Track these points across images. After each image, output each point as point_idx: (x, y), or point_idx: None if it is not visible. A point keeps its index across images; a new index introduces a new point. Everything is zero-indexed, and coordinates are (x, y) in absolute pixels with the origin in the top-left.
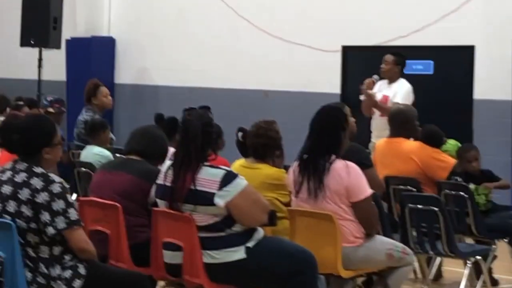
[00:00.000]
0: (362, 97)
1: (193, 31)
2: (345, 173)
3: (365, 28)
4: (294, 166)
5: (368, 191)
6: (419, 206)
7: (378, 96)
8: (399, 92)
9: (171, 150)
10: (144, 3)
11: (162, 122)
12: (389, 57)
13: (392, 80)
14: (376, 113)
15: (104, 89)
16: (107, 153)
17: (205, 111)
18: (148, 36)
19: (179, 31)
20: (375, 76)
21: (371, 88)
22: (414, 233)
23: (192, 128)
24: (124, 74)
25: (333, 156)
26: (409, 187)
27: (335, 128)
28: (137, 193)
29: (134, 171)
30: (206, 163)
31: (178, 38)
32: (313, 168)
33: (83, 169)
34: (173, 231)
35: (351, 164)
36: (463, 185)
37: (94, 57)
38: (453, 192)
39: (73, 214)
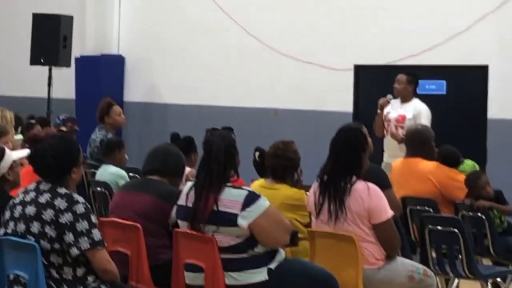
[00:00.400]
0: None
1: (203, 49)
2: (366, 195)
3: (377, 47)
4: (315, 187)
5: (389, 213)
6: (439, 228)
7: (394, 115)
8: (422, 113)
9: (187, 169)
10: (154, 21)
11: (178, 142)
12: (402, 77)
13: (405, 99)
14: (390, 132)
15: (117, 108)
16: (123, 173)
17: (228, 132)
18: (158, 54)
19: (189, 49)
20: (389, 96)
21: (384, 107)
22: (434, 255)
23: (215, 148)
24: (133, 92)
25: (354, 177)
26: (426, 208)
27: (355, 149)
28: (158, 214)
29: (155, 192)
30: (228, 184)
31: (188, 56)
32: (334, 190)
33: (99, 188)
34: (195, 252)
35: (372, 185)
36: (481, 206)
37: (103, 75)
38: (470, 213)
39: (96, 234)
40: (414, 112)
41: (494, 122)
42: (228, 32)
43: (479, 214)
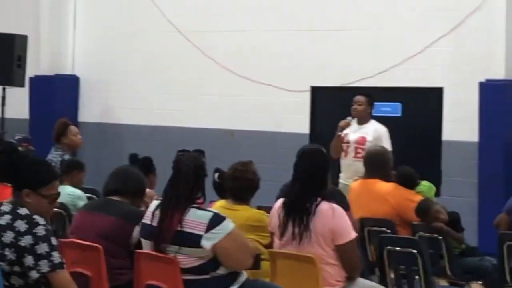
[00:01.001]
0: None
1: (159, 70)
2: (331, 216)
3: (333, 69)
4: (277, 208)
5: (353, 234)
6: (397, 248)
7: (353, 137)
8: (383, 135)
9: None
10: (109, 41)
11: (137, 162)
12: (361, 98)
13: (363, 121)
14: (349, 154)
15: (73, 128)
16: (79, 193)
17: (199, 154)
18: (113, 75)
19: (145, 69)
20: (349, 118)
21: (345, 129)
22: (392, 276)
23: (184, 169)
24: (88, 113)
25: (319, 199)
26: (384, 229)
27: (321, 171)
28: (119, 234)
29: (116, 212)
30: (194, 205)
31: (144, 77)
32: (299, 211)
33: (55, 209)
34: (157, 273)
35: (336, 206)
36: (438, 227)
37: (58, 95)
38: (427, 234)
39: (56, 257)
40: (374, 134)
41: (448, 143)
42: (185, 53)
43: (436, 235)
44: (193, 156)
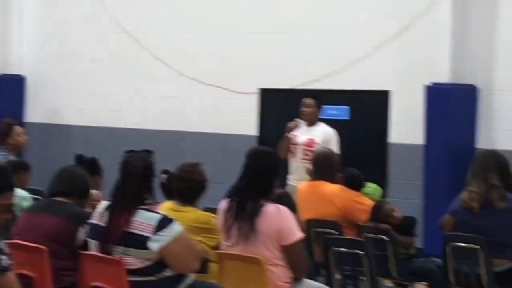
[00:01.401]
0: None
1: (106, 71)
2: (277, 216)
3: (281, 71)
4: (224, 208)
5: (299, 234)
6: (343, 249)
7: (302, 139)
8: (332, 138)
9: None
10: (57, 42)
11: (82, 163)
12: (310, 101)
13: (312, 123)
14: (297, 156)
15: (18, 128)
16: (25, 194)
17: (147, 154)
18: (60, 75)
19: (92, 70)
20: (298, 120)
21: (293, 130)
22: (338, 276)
23: (132, 170)
24: (34, 113)
25: (265, 200)
26: (330, 230)
27: (270, 173)
28: (64, 236)
29: (61, 213)
30: (142, 207)
31: (91, 78)
32: (245, 212)
33: None
34: (102, 274)
35: (283, 208)
36: (384, 228)
37: (3, 95)
38: (373, 235)
39: (4, 260)
40: (323, 136)
41: (394, 146)
42: (133, 54)
43: (381, 236)
44: (141, 157)
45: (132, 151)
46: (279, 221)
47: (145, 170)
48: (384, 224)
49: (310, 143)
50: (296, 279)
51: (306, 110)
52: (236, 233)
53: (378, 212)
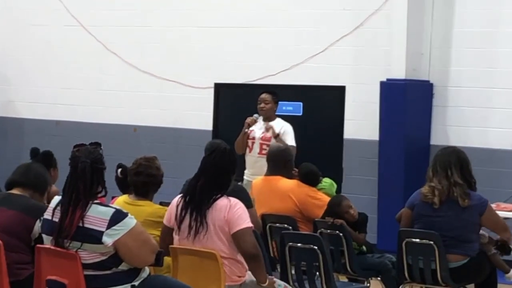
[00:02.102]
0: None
1: (61, 65)
2: (227, 207)
3: (236, 66)
4: (176, 202)
5: (248, 223)
6: (299, 245)
7: (259, 134)
8: (289, 133)
9: None
10: (10, 34)
11: (38, 157)
12: (268, 96)
13: (269, 118)
14: (254, 151)
15: None
16: None
17: (96, 147)
18: (14, 68)
19: (47, 63)
20: (256, 115)
21: (251, 126)
22: (294, 271)
23: (81, 165)
24: None
25: (219, 194)
26: (285, 225)
27: (227, 170)
28: (20, 229)
29: (17, 206)
30: (96, 201)
31: (46, 71)
32: (197, 204)
33: None
34: (58, 268)
35: (234, 199)
36: (339, 224)
37: None
38: (328, 231)
39: None
40: (280, 131)
41: (349, 142)
42: (88, 47)
43: (337, 231)
44: (88, 151)
45: (81, 145)
46: (228, 210)
47: (93, 164)
48: (339, 219)
49: (267, 138)
50: (250, 268)
51: (264, 106)
52: (186, 226)
53: (336, 206)
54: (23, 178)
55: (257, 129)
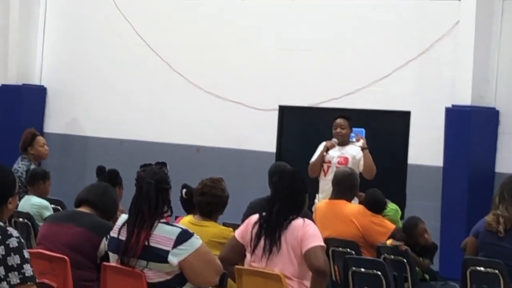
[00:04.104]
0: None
1: (126, 83)
2: (301, 226)
3: (301, 89)
4: (255, 221)
5: (321, 242)
6: (362, 270)
7: (335, 158)
8: (358, 156)
9: None
10: (77, 53)
11: (104, 175)
12: (344, 122)
13: (344, 144)
14: (329, 175)
15: (41, 139)
16: (45, 203)
17: (161, 167)
18: (80, 86)
19: (112, 82)
20: (335, 140)
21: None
22: None
23: (145, 186)
24: (54, 124)
25: (294, 215)
26: (348, 250)
27: (301, 192)
28: (86, 246)
29: (84, 224)
30: (162, 220)
31: (111, 90)
32: (274, 225)
33: (21, 219)
34: (123, 286)
35: (308, 220)
36: (403, 250)
37: (24, 105)
38: (392, 257)
39: (28, 270)
40: (356, 155)
41: (413, 167)
42: (153, 67)
43: (400, 257)
44: (153, 171)
45: (146, 165)
46: (302, 228)
47: (158, 184)
48: (405, 245)
49: (343, 162)
50: (316, 283)
51: (340, 131)
52: (261, 246)
53: (413, 228)
54: (97, 200)
55: (333, 154)
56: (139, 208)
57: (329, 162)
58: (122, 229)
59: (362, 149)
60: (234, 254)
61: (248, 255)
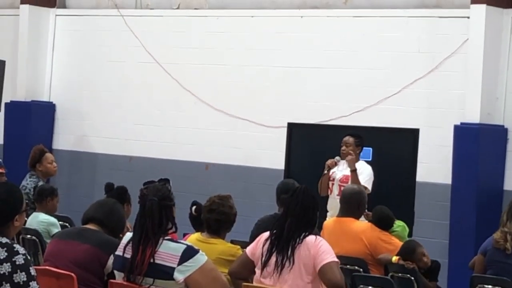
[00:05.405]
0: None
1: (136, 101)
2: (314, 243)
3: (310, 106)
4: (266, 237)
5: (335, 257)
6: (370, 287)
7: (338, 175)
8: (362, 173)
9: None
10: (87, 70)
11: (112, 192)
12: (350, 139)
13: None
14: (334, 192)
15: (49, 156)
16: (53, 220)
17: (164, 184)
18: (89, 103)
19: (121, 99)
20: (337, 158)
21: (332, 168)
22: None
23: (148, 204)
24: (63, 140)
25: (307, 232)
26: (356, 267)
27: (313, 207)
28: (93, 263)
29: (91, 241)
30: (166, 237)
31: (120, 107)
32: (286, 241)
33: (29, 236)
34: None
35: (321, 237)
36: (411, 268)
37: (33, 121)
38: (400, 274)
39: (34, 287)
40: (359, 170)
41: (421, 185)
42: (162, 84)
43: (408, 275)
44: (156, 188)
45: (149, 182)
46: (315, 246)
47: (161, 201)
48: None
49: (345, 179)
50: None
51: (345, 148)
52: (272, 263)
53: (410, 253)
54: (104, 217)
55: (338, 171)
56: (143, 225)
57: (333, 179)
58: (127, 247)
59: (351, 171)
60: (244, 269)
61: (257, 271)
